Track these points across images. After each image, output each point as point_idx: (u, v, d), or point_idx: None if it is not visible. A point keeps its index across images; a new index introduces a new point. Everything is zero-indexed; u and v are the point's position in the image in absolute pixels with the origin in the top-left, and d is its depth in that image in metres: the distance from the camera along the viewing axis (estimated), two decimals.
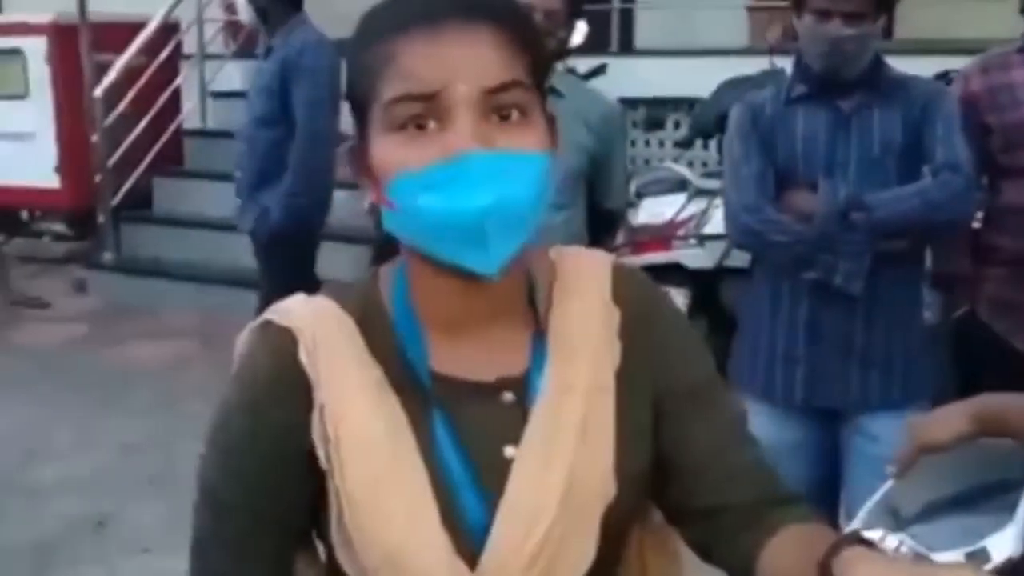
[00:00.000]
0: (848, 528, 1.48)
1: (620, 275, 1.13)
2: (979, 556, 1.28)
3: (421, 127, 0.95)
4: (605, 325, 1.09)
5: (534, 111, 0.98)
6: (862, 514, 1.48)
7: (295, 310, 1.07)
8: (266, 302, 4.05)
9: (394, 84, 0.95)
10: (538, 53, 1.01)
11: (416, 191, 0.95)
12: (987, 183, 2.58)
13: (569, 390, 1.05)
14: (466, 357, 1.05)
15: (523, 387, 1.05)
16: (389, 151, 0.96)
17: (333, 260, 6.42)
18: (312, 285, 4.13)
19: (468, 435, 1.03)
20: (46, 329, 6.35)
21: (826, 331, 2.46)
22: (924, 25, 6.36)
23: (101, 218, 7.30)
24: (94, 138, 7.08)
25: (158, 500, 4.17)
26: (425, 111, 0.94)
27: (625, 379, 1.08)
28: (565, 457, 1.03)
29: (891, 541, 1.34)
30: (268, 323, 1.06)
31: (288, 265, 4.30)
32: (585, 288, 1.11)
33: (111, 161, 7.10)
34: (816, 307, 2.46)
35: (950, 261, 2.59)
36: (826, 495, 2.60)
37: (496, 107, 0.95)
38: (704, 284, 4.80)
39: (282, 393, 1.03)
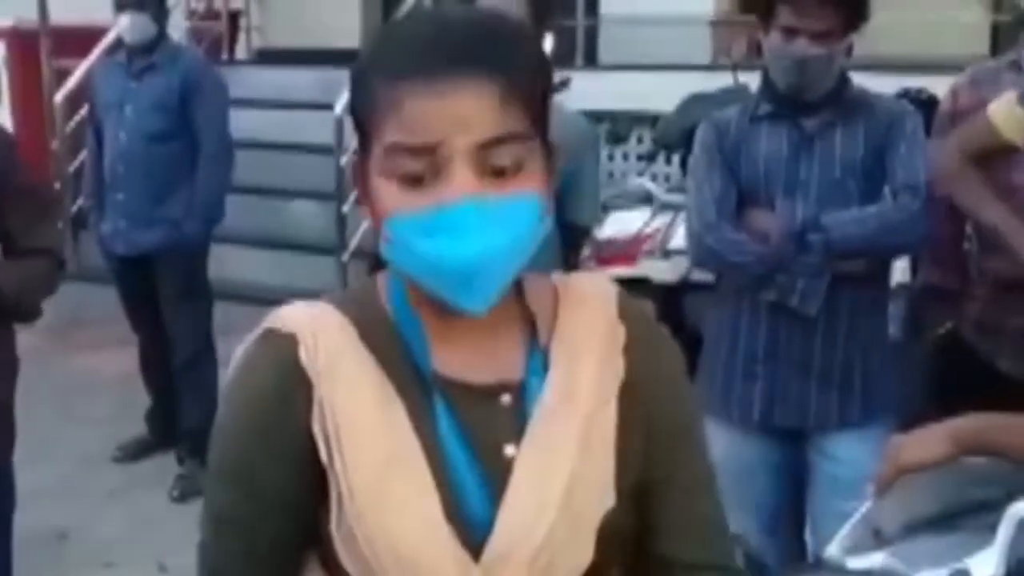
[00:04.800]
0: (829, 547, 1.51)
1: (625, 300, 1.18)
2: None
3: (417, 180, 0.99)
4: (610, 341, 1.13)
5: (530, 160, 1.02)
6: (844, 532, 1.50)
7: (294, 314, 1.09)
8: (191, 310, 3.94)
9: (395, 132, 0.99)
10: (540, 93, 1.04)
11: (410, 234, 1.00)
12: None
13: (571, 398, 1.08)
14: (464, 360, 1.09)
15: (520, 392, 1.09)
16: (386, 194, 1.01)
17: (298, 269, 6.44)
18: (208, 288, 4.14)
19: (469, 432, 1.06)
20: None
21: (784, 350, 2.47)
22: (883, 43, 6.45)
23: (60, 225, 7.21)
24: (54, 145, 7.00)
25: (120, 513, 4.13)
26: (421, 165, 0.99)
27: (627, 396, 1.12)
28: (566, 461, 1.06)
29: (874, 559, 1.37)
30: (268, 331, 1.09)
31: (196, 273, 4.49)
32: (592, 305, 1.14)
33: (71, 168, 7.02)
34: (775, 326, 2.47)
35: (936, 275, 2.59)
36: (792, 515, 2.62)
37: (491, 163, 0.99)
38: (669, 298, 4.82)
39: (287, 402, 1.05)
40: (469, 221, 0.97)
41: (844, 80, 2.46)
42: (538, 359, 1.11)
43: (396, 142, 0.99)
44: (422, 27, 1.03)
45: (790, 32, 2.34)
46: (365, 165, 1.05)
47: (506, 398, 1.09)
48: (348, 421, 1.04)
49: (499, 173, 1.00)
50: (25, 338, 6.26)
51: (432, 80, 0.97)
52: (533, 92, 1.03)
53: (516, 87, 1.00)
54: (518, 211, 1.00)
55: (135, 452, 4.66)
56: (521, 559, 1.03)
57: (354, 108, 1.06)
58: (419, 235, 0.99)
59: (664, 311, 4.79)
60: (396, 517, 1.02)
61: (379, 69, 1.02)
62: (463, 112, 0.97)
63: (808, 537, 2.62)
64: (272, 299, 1.16)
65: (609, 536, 1.09)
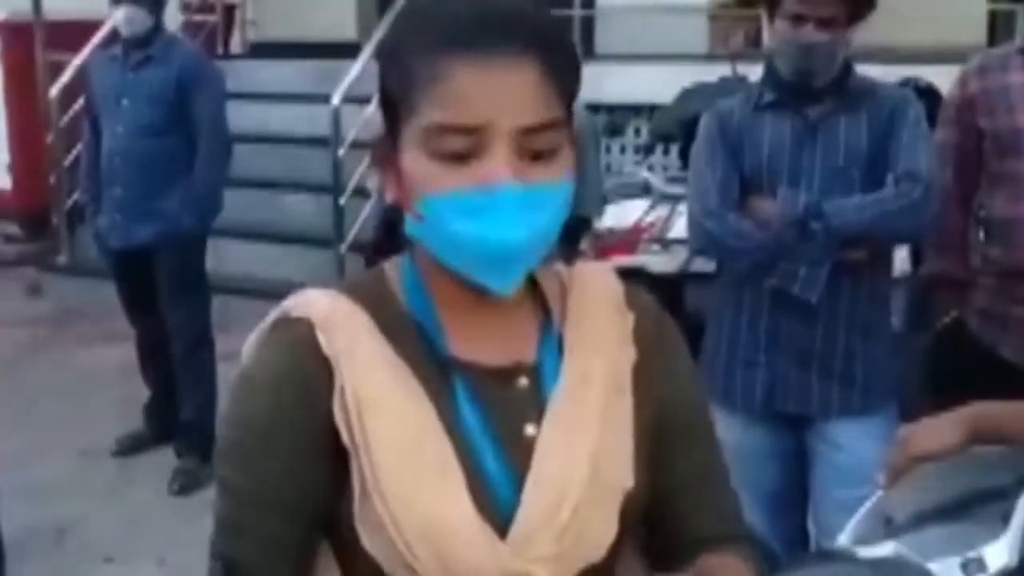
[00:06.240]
0: (840, 537, 1.50)
1: (629, 288, 1.20)
2: (975, 565, 1.30)
3: (459, 158, 0.99)
4: (621, 326, 1.15)
5: (563, 144, 1.03)
6: (855, 521, 1.50)
7: (308, 300, 1.09)
8: (189, 304, 3.92)
9: (438, 108, 0.99)
10: (576, 77, 1.06)
11: (449, 213, 1.00)
12: (983, 191, 2.52)
13: (588, 381, 1.10)
14: (479, 343, 1.10)
15: (536, 374, 1.10)
16: (424, 171, 1.01)
17: (296, 262, 6.42)
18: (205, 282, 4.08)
19: (489, 413, 1.07)
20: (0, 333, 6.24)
21: (786, 338, 2.47)
22: (880, 33, 6.44)
23: (55, 219, 7.19)
24: (49, 139, 6.98)
25: (119, 508, 4.12)
26: (466, 144, 0.99)
27: (639, 378, 1.14)
28: (588, 441, 1.07)
29: (886, 548, 1.36)
30: (283, 317, 1.08)
31: (194, 267, 4.47)
32: (600, 293, 1.16)
33: (66, 162, 7.00)
34: (776, 314, 2.47)
35: (941, 264, 2.58)
36: (795, 501, 2.62)
37: (531, 147, 1.00)
38: (668, 289, 4.82)
39: (306, 385, 1.04)
40: (512, 204, 0.98)
41: (848, 68, 2.45)
42: (552, 343, 1.12)
43: (441, 123, 0.98)
44: (462, 2, 1.02)
45: (797, 19, 2.35)
46: (392, 144, 1.05)
47: (523, 380, 1.09)
48: (370, 403, 1.03)
49: (536, 157, 1.00)
50: (22, 332, 6.27)
51: (477, 55, 0.98)
52: (569, 72, 1.04)
53: (556, 66, 1.01)
54: (553, 196, 1.02)
55: (131, 447, 4.65)
56: (548, 537, 1.03)
57: (387, 81, 1.05)
58: (458, 214, 0.99)
59: (662, 302, 4.76)
60: (422, 496, 1.02)
61: (417, 44, 1.01)
62: (510, 93, 0.98)
63: (809, 524, 2.62)
64: (270, 292, 1.15)
65: (626, 520, 1.10)
